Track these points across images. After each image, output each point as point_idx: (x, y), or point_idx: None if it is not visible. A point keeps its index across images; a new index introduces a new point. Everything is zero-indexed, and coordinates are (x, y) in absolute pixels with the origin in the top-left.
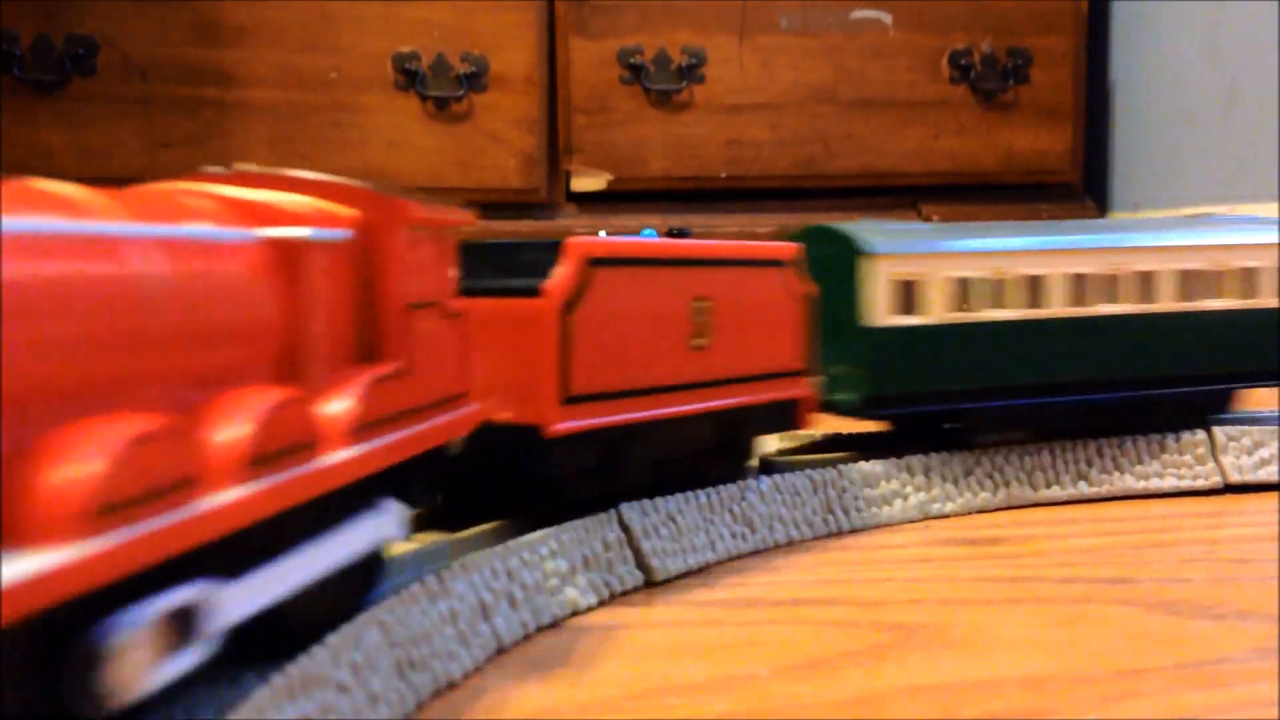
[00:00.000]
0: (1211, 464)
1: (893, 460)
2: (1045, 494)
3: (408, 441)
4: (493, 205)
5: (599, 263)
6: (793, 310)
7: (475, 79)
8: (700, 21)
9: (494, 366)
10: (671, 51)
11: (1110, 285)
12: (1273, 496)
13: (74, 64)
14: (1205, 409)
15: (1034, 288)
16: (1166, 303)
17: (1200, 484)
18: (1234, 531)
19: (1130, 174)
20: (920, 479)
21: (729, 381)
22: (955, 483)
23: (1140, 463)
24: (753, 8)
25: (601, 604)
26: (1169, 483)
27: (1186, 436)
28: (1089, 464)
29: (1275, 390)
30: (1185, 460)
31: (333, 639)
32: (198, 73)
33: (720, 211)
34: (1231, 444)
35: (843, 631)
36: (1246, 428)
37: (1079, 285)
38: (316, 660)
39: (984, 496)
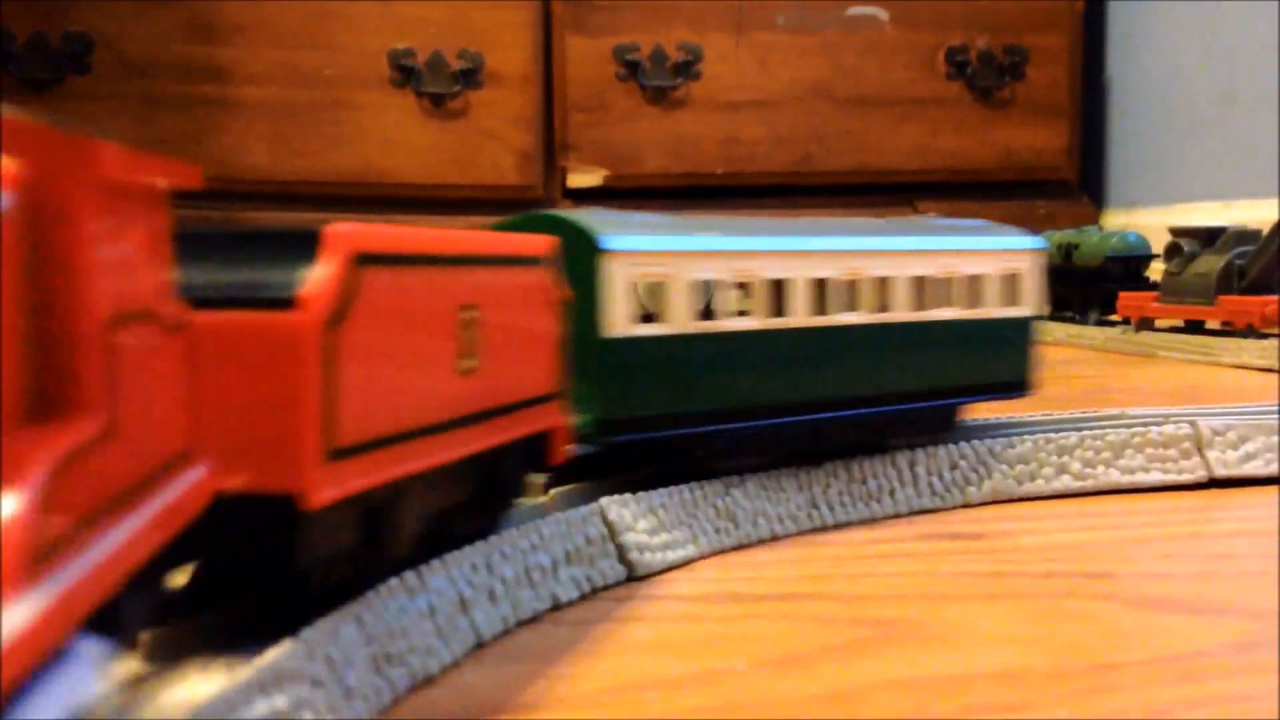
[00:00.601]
0: (1197, 458)
1: (881, 457)
2: (1029, 488)
3: (123, 553)
4: (489, 202)
5: (370, 261)
6: (549, 318)
7: (471, 76)
8: (697, 19)
9: (221, 409)
10: (668, 49)
11: (850, 292)
12: (1257, 491)
13: (70, 62)
14: (935, 426)
15: (778, 294)
16: (903, 312)
17: (1185, 478)
18: (1217, 526)
19: (1126, 171)
20: (905, 472)
21: (496, 413)
22: (940, 476)
23: (1125, 457)
24: (749, 5)
25: (583, 598)
26: (1154, 477)
27: (1171, 430)
28: (1071, 457)
29: (1261, 383)
30: (1170, 454)
31: (307, 633)
32: (194, 70)
33: (717, 209)
34: (1217, 438)
35: (822, 626)
36: (1232, 422)
37: (821, 292)
38: (290, 654)
39: (969, 491)
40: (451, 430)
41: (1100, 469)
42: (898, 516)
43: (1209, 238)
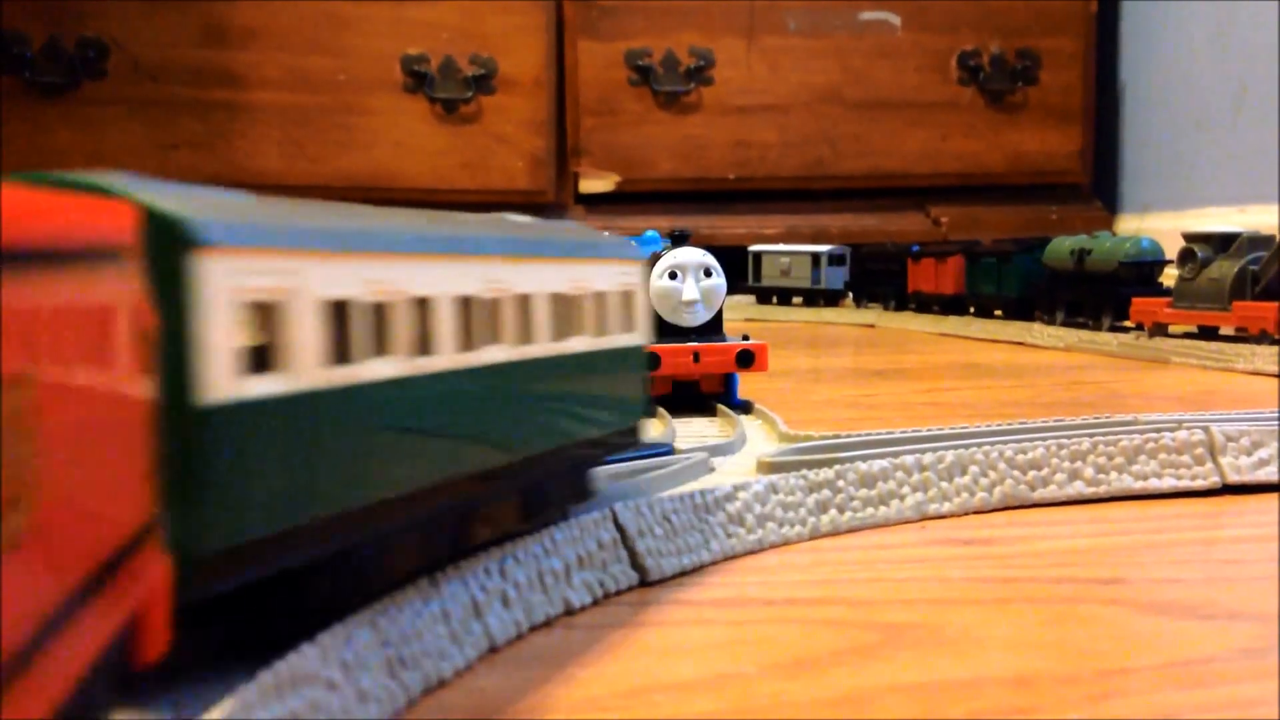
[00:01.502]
0: (1210, 464)
1: (890, 460)
2: (1041, 494)
3: None
4: (501, 207)
5: None
6: (137, 376)
7: (483, 81)
8: (708, 23)
9: None
10: (679, 53)
11: (494, 316)
12: (1270, 497)
13: (84, 67)
14: (580, 494)
15: (422, 319)
16: (547, 343)
17: (1199, 484)
18: (1230, 532)
19: (1139, 175)
20: (916, 478)
21: (60, 619)
22: (951, 480)
23: (1138, 463)
24: (760, 9)
25: (595, 603)
26: (1167, 483)
27: (1184, 436)
28: (1084, 463)
29: (1274, 389)
30: (1184, 460)
31: (323, 637)
32: (207, 75)
33: (728, 213)
34: (1230, 444)
35: (832, 631)
36: (1245, 427)
37: (468, 315)
38: (306, 658)
39: (980, 497)
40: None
41: (1113, 475)
42: (909, 521)
43: (1223, 243)
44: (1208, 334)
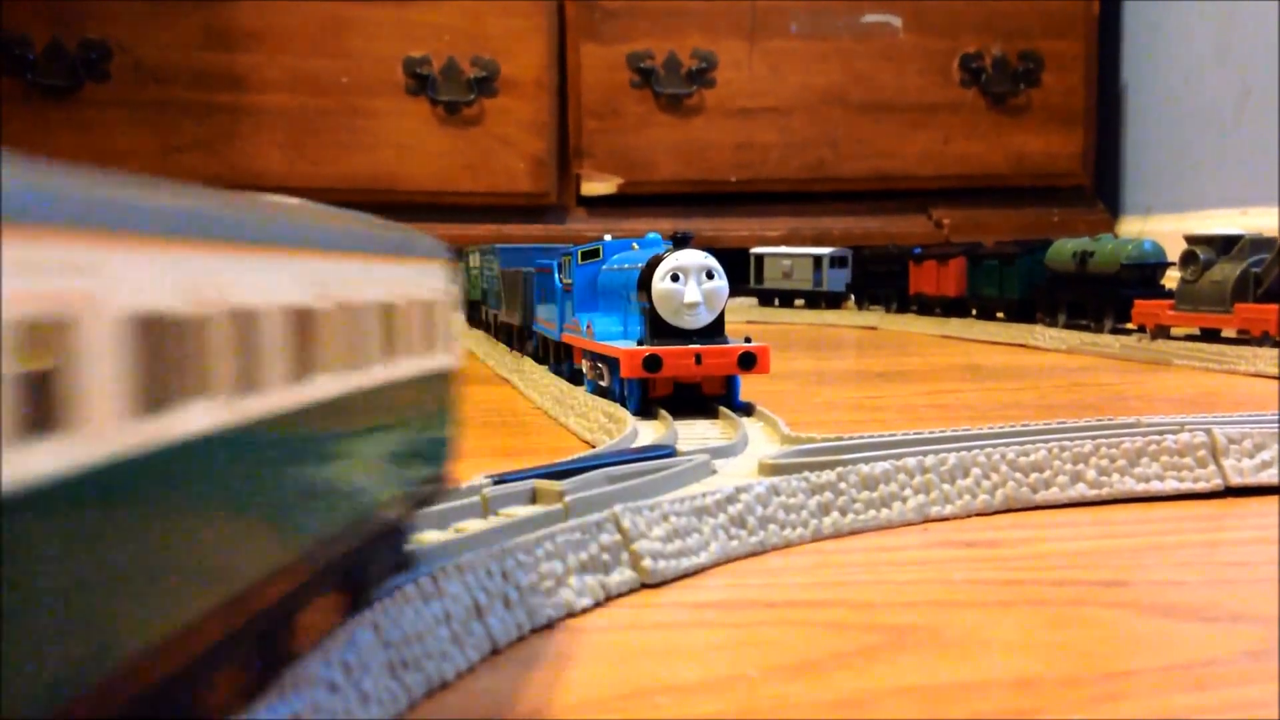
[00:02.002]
0: (1212, 466)
1: (892, 462)
2: (1044, 496)
3: None
4: (502, 209)
5: None
6: None
7: (486, 83)
8: (710, 25)
9: None
10: (681, 55)
11: (322, 335)
12: (1273, 499)
13: (87, 69)
14: (388, 569)
15: (248, 339)
16: (371, 371)
17: (1201, 486)
18: (1232, 534)
19: (1142, 177)
20: (919, 480)
21: None
22: (953, 483)
23: (1140, 465)
24: (762, 11)
25: (597, 605)
26: (1169, 485)
27: (1186, 438)
28: (1087, 465)
29: (1276, 391)
30: (1186, 462)
31: (325, 640)
32: (210, 77)
33: (730, 215)
34: (1232, 446)
35: (834, 633)
36: (1248, 430)
37: (299, 334)
38: (308, 660)
39: (982, 499)
40: None
41: (1115, 477)
42: (911, 523)
43: (1225, 245)
44: (1210, 336)
